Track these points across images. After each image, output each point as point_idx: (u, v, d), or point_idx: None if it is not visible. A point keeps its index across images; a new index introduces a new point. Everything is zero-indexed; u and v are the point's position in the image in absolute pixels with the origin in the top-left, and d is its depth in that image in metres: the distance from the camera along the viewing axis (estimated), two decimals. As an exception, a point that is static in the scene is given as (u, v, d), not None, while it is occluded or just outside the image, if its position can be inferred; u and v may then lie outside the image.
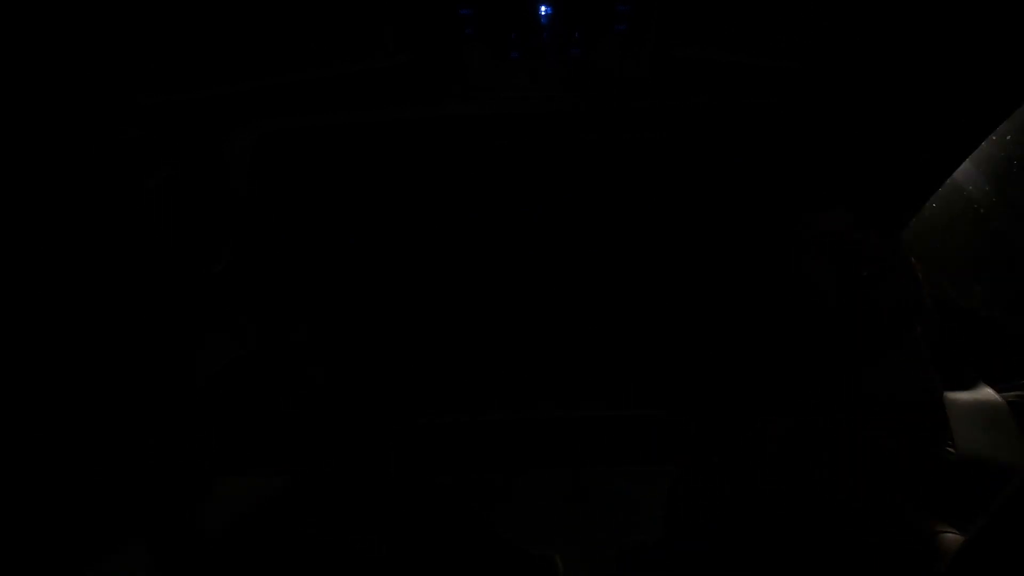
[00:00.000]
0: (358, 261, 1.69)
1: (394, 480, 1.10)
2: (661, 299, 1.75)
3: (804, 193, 1.50)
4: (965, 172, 1.49)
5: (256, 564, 0.83)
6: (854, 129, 1.41)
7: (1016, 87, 1.19)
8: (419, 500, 1.00)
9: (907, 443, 0.80)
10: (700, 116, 1.47)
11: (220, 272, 1.37)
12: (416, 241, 1.71)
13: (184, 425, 1.15)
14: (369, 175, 1.62)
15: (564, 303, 1.81)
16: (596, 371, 1.85)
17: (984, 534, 0.55)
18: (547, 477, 1.78)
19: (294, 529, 0.86)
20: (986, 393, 0.87)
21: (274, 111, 1.41)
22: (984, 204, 1.60)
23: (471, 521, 1.03)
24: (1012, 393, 0.88)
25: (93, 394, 1.16)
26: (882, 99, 1.35)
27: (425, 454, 1.76)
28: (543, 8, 1.27)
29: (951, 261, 1.66)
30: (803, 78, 1.34)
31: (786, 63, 1.29)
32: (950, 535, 0.62)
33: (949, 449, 0.79)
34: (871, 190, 1.44)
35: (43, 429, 1.06)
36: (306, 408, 1.29)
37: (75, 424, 1.09)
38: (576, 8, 1.27)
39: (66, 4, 1.12)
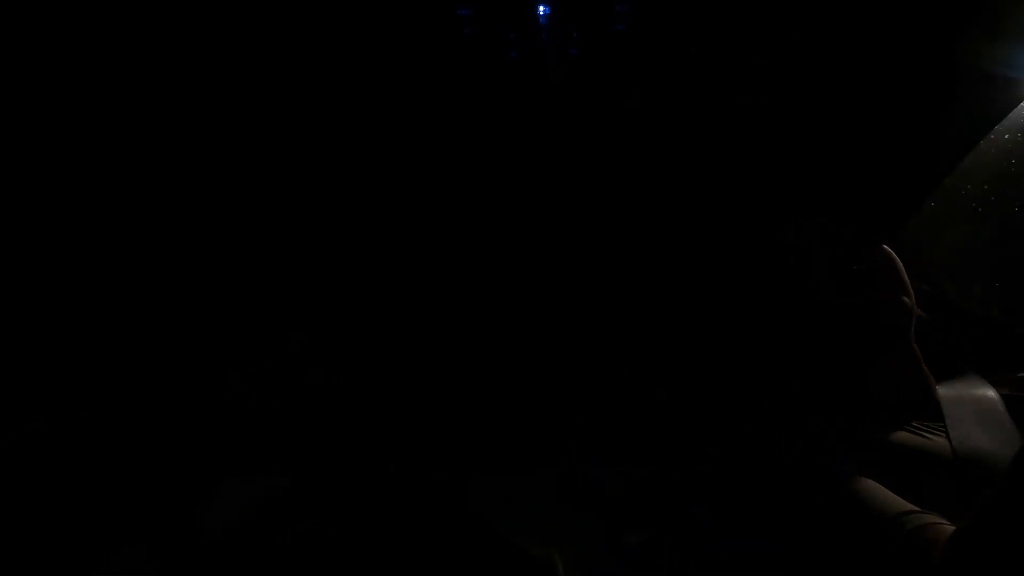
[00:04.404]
0: (359, 261, 1.69)
1: (394, 480, 1.10)
2: (658, 299, 1.75)
3: (798, 193, 1.50)
4: (964, 171, 1.49)
5: (256, 564, 0.83)
6: (851, 128, 1.42)
7: (1014, 86, 1.19)
8: (419, 500, 1.00)
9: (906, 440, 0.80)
10: (694, 116, 1.48)
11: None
12: (418, 242, 1.71)
13: (185, 425, 1.15)
14: (372, 176, 1.62)
15: (562, 298, 1.81)
16: (595, 370, 1.85)
17: (976, 524, 0.55)
18: (547, 477, 1.77)
19: (294, 529, 0.86)
20: (980, 386, 0.88)
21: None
22: (983, 203, 1.60)
23: (471, 521, 1.03)
24: (1005, 388, 0.88)
25: (94, 395, 1.16)
26: (880, 98, 1.35)
27: (425, 454, 1.76)
28: (541, 8, 1.27)
29: (950, 260, 1.66)
30: (797, 78, 1.34)
31: (778, 64, 1.30)
32: (943, 526, 0.63)
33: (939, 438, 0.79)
34: (868, 189, 1.44)
35: (44, 429, 1.06)
36: (306, 408, 1.29)
37: (76, 424, 1.09)
38: (575, 8, 1.28)
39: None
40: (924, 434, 0.81)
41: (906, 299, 0.89)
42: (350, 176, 1.59)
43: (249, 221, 1.54)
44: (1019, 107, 1.26)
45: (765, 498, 0.75)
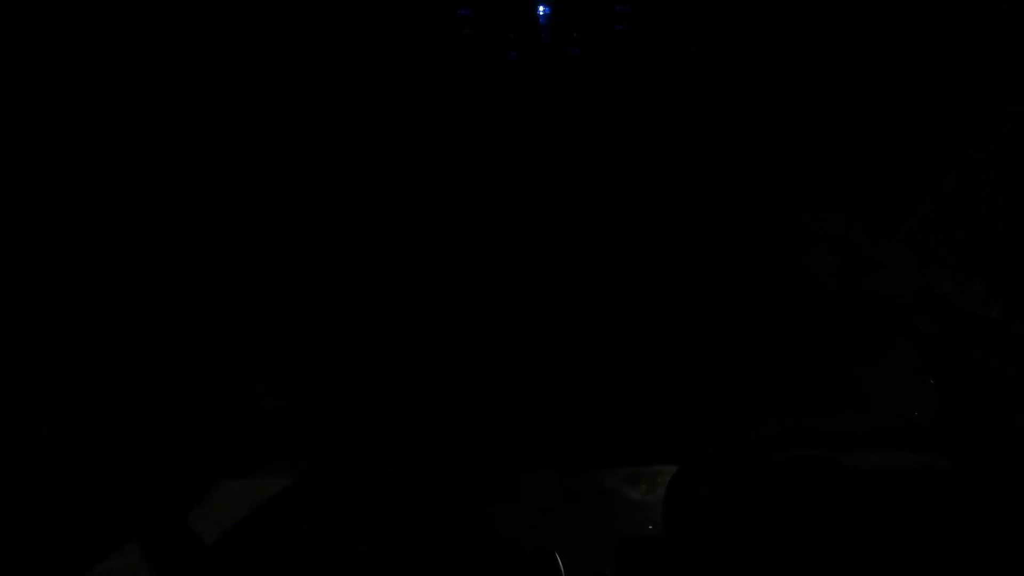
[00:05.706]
0: (359, 260, 1.69)
1: (394, 480, 1.10)
2: (655, 296, 1.75)
3: (799, 191, 1.50)
4: (964, 170, 1.49)
5: (255, 565, 0.83)
6: (850, 126, 1.42)
7: (1012, 84, 1.19)
8: (419, 500, 1.00)
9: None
10: (694, 115, 1.48)
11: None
12: (419, 242, 1.71)
13: (182, 425, 1.15)
14: (370, 174, 1.62)
15: (562, 298, 1.81)
16: (595, 370, 1.85)
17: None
18: (547, 477, 1.78)
19: (294, 529, 0.86)
20: None
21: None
22: (983, 203, 1.60)
23: (471, 521, 1.03)
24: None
25: (91, 394, 1.16)
26: (878, 96, 1.35)
27: (425, 454, 1.76)
28: (541, 8, 1.27)
29: (950, 260, 1.66)
30: (796, 78, 1.34)
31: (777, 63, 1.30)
32: None
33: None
34: (868, 188, 1.44)
35: (44, 429, 1.06)
36: (305, 408, 1.29)
37: (73, 424, 1.09)
38: (575, 8, 1.28)
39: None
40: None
41: (910, 292, 0.89)
42: (349, 175, 1.59)
43: (247, 219, 1.54)
44: (1019, 104, 1.27)
45: (764, 496, 0.75)
